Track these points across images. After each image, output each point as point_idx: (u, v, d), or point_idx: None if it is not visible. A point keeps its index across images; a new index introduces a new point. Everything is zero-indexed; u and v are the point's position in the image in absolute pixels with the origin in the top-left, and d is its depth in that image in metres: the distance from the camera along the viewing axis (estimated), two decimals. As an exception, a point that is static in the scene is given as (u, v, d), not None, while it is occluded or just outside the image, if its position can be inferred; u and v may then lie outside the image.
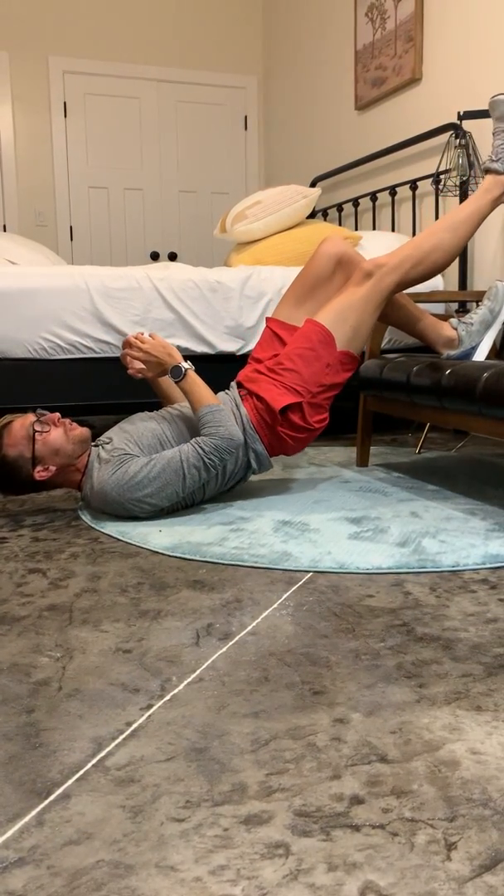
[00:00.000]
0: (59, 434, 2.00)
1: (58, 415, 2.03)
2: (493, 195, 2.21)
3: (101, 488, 1.94)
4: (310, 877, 0.73)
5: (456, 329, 2.23)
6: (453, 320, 2.25)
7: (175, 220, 5.29)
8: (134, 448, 2.00)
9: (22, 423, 1.99)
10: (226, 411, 2.01)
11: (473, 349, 2.26)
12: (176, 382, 2.06)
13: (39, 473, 1.99)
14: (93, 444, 2.08)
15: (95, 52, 4.95)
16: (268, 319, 2.32)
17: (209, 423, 1.98)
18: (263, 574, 1.60)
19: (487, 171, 2.24)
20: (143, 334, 2.13)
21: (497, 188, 2.21)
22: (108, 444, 2.04)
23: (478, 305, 2.27)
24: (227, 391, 2.23)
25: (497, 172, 2.21)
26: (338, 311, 2.14)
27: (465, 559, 1.64)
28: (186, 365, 2.06)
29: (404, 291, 2.37)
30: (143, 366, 2.12)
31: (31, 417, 2.01)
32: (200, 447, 1.95)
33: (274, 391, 2.10)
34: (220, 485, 2.11)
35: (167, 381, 2.33)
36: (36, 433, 1.98)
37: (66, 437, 2.00)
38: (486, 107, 3.23)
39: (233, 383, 2.26)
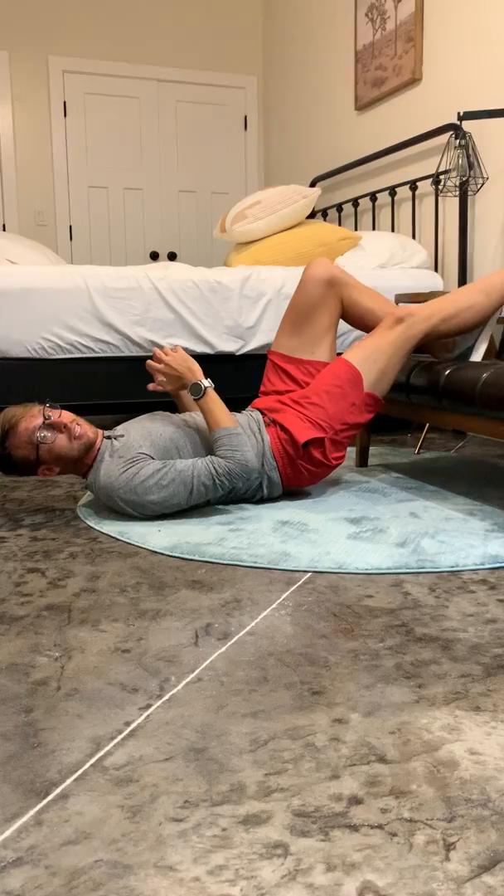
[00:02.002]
0: (63, 442, 1.98)
1: (65, 417, 1.99)
2: None
3: (107, 482, 1.94)
4: (308, 877, 0.73)
5: None
6: None
7: (175, 219, 5.29)
8: (149, 448, 1.99)
9: (26, 427, 1.96)
10: (242, 436, 1.99)
11: (470, 349, 2.27)
12: (195, 399, 2.05)
13: (43, 472, 2.02)
14: (105, 435, 2.07)
15: (95, 51, 4.95)
16: (269, 353, 2.32)
17: (225, 446, 1.96)
18: (262, 574, 1.60)
19: None
20: (168, 347, 2.13)
21: None
22: (121, 437, 2.03)
23: None
24: (249, 412, 2.19)
25: None
26: (368, 351, 2.14)
27: (464, 559, 1.64)
28: (206, 383, 2.05)
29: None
30: (163, 378, 2.12)
31: (36, 419, 1.97)
32: (214, 468, 1.94)
33: (299, 424, 2.09)
34: (225, 500, 2.12)
35: (187, 395, 2.32)
36: (36, 449, 1.97)
37: (71, 444, 1.98)
38: (485, 107, 3.23)
39: (254, 409, 2.24)
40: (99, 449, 2.03)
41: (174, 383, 2.13)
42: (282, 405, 2.17)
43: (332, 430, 2.10)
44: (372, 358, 2.13)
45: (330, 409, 2.10)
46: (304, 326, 2.26)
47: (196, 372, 2.09)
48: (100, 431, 2.07)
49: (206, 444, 2.09)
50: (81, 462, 2.03)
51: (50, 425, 1.97)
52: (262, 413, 2.19)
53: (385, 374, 2.14)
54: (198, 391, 2.04)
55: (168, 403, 3.12)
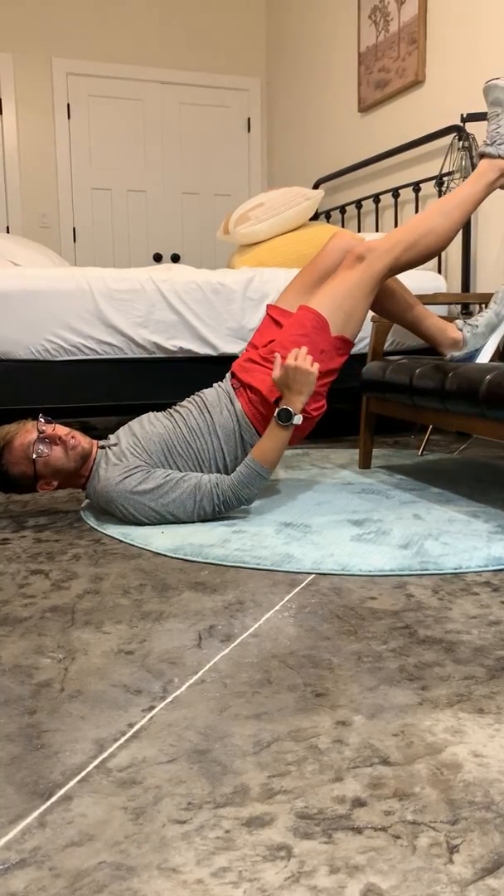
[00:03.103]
0: (59, 454, 1.96)
1: (59, 430, 1.97)
2: (487, 179, 2.19)
3: (106, 489, 1.94)
4: (311, 879, 0.73)
5: (461, 331, 2.22)
6: (459, 322, 2.24)
7: (178, 221, 5.30)
8: (143, 455, 1.97)
9: (21, 443, 1.95)
10: (267, 480, 1.97)
11: (477, 352, 2.26)
12: (276, 421, 1.96)
13: (42, 487, 2.01)
14: (99, 445, 2.06)
15: (99, 53, 4.96)
16: (268, 307, 2.28)
17: (246, 479, 1.93)
18: (265, 576, 1.60)
19: (482, 155, 2.22)
20: (307, 358, 1.99)
21: (492, 172, 2.19)
22: (114, 446, 2.02)
23: (481, 309, 2.27)
24: (219, 384, 2.18)
25: (491, 156, 2.19)
26: (331, 296, 2.12)
27: (467, 561, 1.64)
28: (297, 420, 1.96)
29: (401, 278, 2.36)
30: (279, 374, 1.99)
31: (31, 434, 1.96)
32: (218, 493, 1.93)
33: (268, 381, 2.06)
34: None
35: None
36: (36, 460, 1.95)
37: (67, 456, 1.97)
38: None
39: (228, 374, 2.21)
40: (95, 459, 2.02)
41: (281, 382, 1.99)
42: (251, 363, 2.14)
43: None
44: (336, 301, 2.11)
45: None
46: (312, 289, 2.23)
47: (302, 399, 1.97)
48: (94, 442, 2.06)
49: (198, 441, 2.05)
50: (78, 474, 2.02)
51: (45, 439, 1.96)
52: (233, 376, 2.15)
53: (352, 315, 2.12)
54: (286, 418, 1.95)
55: (165, 406, 3.12)
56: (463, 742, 0.96)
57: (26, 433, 1.97)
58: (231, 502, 1.95)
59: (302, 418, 1.98)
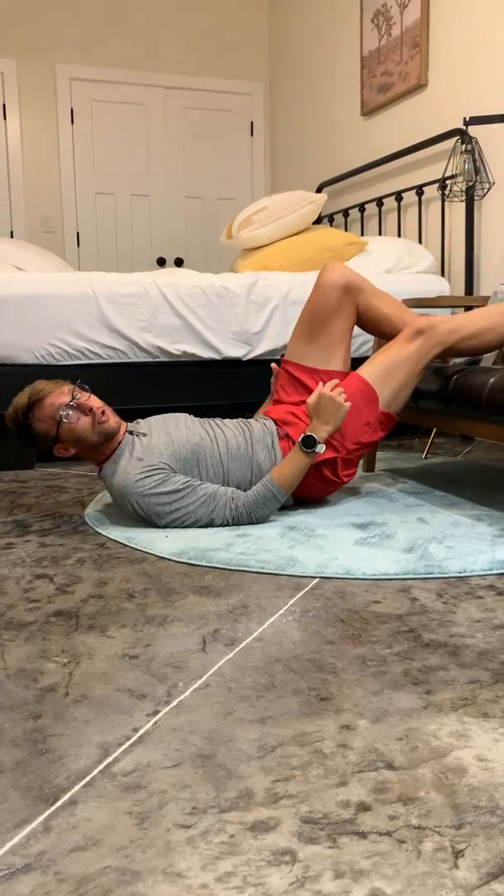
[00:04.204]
0: (85, 425, 1.97)
1: (93, 402, 1.98)
2: None
3: (122, 484, 1.93)
4: (316, 884, 0.73)
5: None
6: None
7: (181, 226, 5.31)
8: (170, 458, 1.96)
9: (52, 403, 1.96)
10: (281, 502, 1.96)
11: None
12: (300, 447, 1.95)
13: (58, 451, 2.02)
14: (128, 429, 2.05)
15: (102, 59, 4.98)
16: (283, 361, 2.24)
17: (262, 499, 1.93)
18: (270, 580, 1.60)
19: None
20: (335, 390, 2.00)
21: None
22: (143, 435, 2.02)
23: None
24: (263, 421, 2.13)
25: None
26: (385, 367, 2.09)
27: (472, 565, 1.64)
28: (320, 448, 1.95)
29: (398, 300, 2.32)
30: (313, 400, 1.99)
31: (64, 397, 1.97)
32: (232, 507, 1.93)
33: None
34: None
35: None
36: (58, 425, 1.96)
37: (93, 429, 1.97)
38: (492, 112, 3.23)
39: (266, 417, 2.17)
40: (120, 442, 2.01)
41: (312, 408, 1.99)
42: (295, 418, 2.12)
43: (345, 449, 2.06)
44: (389, 374, 2.08)
45: (345, 428, 2.05)
46: (318, 333, 2.18)
47: (327, 429, 1.97)
48: (123, 424, 2.06)
49: (229, 459, 2.03)
50: (99, 450, 2.02)
51: (76, 406, 1.96)
52: (276, 424, 2.14)
53: (401, 391, 2.10)
54: (309, 444, 1.94)
55: (168, 410, 3.13)
56: (468, 746, 0.96)
57: (60, 395, 1.98)
58: (243, 519, 1.95)
59: (325, 448, 1.97)
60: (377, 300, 2.20)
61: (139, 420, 2.14)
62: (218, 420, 2.15)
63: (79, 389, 2.00)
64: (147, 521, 1.96)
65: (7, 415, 2.01)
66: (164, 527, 1.95)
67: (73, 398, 1.97)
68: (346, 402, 1.98)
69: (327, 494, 2.16)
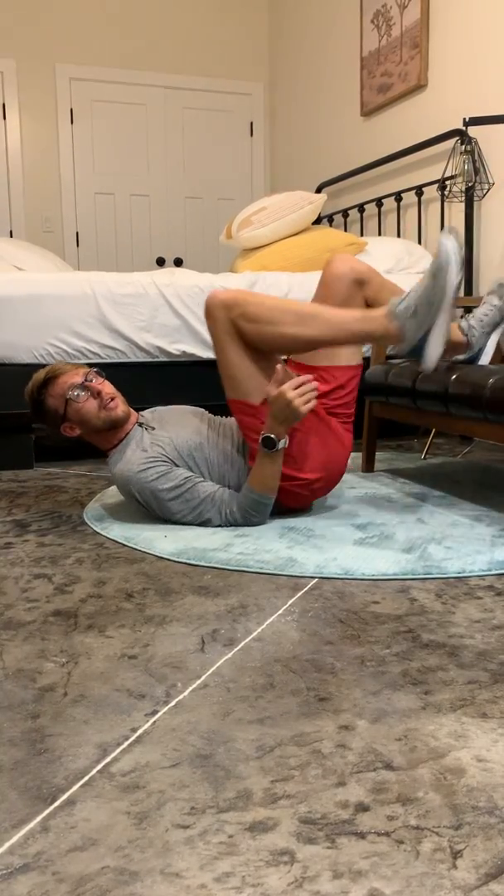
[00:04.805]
0: (91, 408, 2.02)
1: (105, 387, 2.03)
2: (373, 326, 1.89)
3: (125, 473, 1.95)
4: (315, 884, 0.73)
5: (466, 334, 2.11)
6: (462, 322, 2.20)
7: (181, 226, 5.31)
8: (172, 454, 1.98)
9: (65, 381, 2.03)
10: (270, 506, 1.95)
11: (480, 351, 2.22)
12: (262, 448, 1.87)
13: (65, 429, 2.07)
14: (138, 422, 2.10)
15: (102, 59, 4.98)
16: (288, 361, 2.18)
17: (250, 506, 1.92)
18: (269, 580, 1.60)
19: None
20: (304, 384, 1.85)
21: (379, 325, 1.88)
22: (153, 430, 2.06)
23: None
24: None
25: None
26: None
27: (470, 565, 1.64)
28: (282, 444, 1.87)
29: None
30: (273, 394, 1.86)
31: (77, 378, 2.02)
32: (227, 511, 1.93)
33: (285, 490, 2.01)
34: None
35: None
36: (68, 400, 2.02)
37: (98, 414, 2.02)
38: (491, 113, 3.24)
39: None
40: (129, 433, 2.06)
41: (272, 403, 1.86)
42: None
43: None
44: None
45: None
46: None
47: (283, 428, 1.86)
48: (134, 415, 2.10)
49: (223, 462, 2.03)
50: (107, 438, 2.07)
51: (86, 387, 2.02)
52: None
53: (235, 376, 1.99)
54: (269, 445, 1.86)
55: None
56: (466, 747, 0.96)
57: (74, 375, 2.04)
58: (239, 522, 1.95)
59: (287, 441, 1.89)
60: (385, 292, 2.12)
61: (154, 409, 2.18)
62: (225, 422, 2.14)
63: (94, 374, 2.06)
64: (147, 508, 1.98)
65: (26, 389, 2.10)
66: (163, 519, 1.97)
67: (86, 380, 2.03)
68: (305, 403, 1.82)
69: (302, 502, 2.05)
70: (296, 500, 2.04)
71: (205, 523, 1.96)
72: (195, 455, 2.01)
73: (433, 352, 1.81)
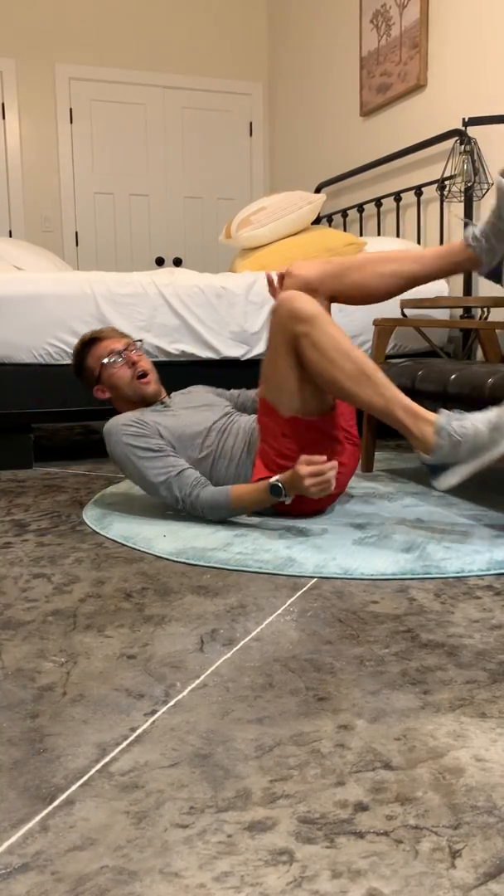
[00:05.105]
0: (123, 375, 2.13)
1: (142, 361, 2.12)
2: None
3: (110, 425, 2.01)
4: (314, 884, 0.73)
5: (471, 245, 1.85)
6: (468, 233, 1.86)
7: (180, 225, 5.31)
8: (165, 431, 2.03)
9: (107, 346, 2.13)
10: (228, 517, 1.96)
11: (501, 266, 1.89)
12: (270, 491, 1.85)
13: (97, 391, 2.19)
14: (162, 399, 2.19)
15: (102, 58, 4.98)
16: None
17: (215, 504, 1.91)
18: (268, 580, 1.60)
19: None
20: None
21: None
22: (167, 410, 2.13)
23: (483, 313, 2.19)
24: (251, 423, 2.09)
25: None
26: (263, 372, 1.99)
27: (469, 565, 1.64)
28: (285, 500, 1.87)
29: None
30: (288, 473, 1.84)
31: (117, 345, 2.12)
32: (185, 494, 1.94)
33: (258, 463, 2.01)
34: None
35: None
36: (103, 364, 2.11)
37: (129, 383, 2.12)
38: (491, 113, 3.24)
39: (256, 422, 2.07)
40: (151, 404, 2.18)
41: (292, 473, 1.83)
42: (285, 458, 1.96)
43: (275, 464, 1.95)
44: (266, 376, 1.99)
45: (267, 444, 1.98)
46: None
47: (296, 493, 1.84)
48: (163, 395, 2.21)
49: (234, 454, 2.05)
50: (132, 408, 2.16)
51: (123, 356, 2.11)
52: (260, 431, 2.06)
53: (292, 385, 1.94)
54: (276, 493, 1.85)
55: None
56: (465, 746, 0.96)
57: (116, 342, 2.15)
58: (193, 511, 1.97)
59: (291, 500, 1.88)
60: (349, 275, 1.94)
61: (189, 390, 2.28)
62: (234, 421, 2.12)
63: (135, 346, 2.15)
64: (117, 462, 2.03)
65: (75, 345, 2.22)
66: (128, 477, 2.03)
67: (126, 349, 2.13)
68: (319, 489, 1.79)
69: (303, 509, 2.03)
70: (313, 505, 2.01)
71: (159, 497, 1.98)
72: (206, 439, 2.04)
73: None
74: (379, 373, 1.82)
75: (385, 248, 3.47)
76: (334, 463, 1.80)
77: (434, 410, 1.78)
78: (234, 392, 2.38)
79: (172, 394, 2.28)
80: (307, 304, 1.84)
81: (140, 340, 2.21)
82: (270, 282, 2.03)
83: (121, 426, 2.01)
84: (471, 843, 0.78)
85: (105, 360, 2.12)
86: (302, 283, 1.94)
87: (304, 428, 1.94)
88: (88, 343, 2.17)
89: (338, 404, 2.02)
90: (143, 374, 2.13)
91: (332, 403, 1.98)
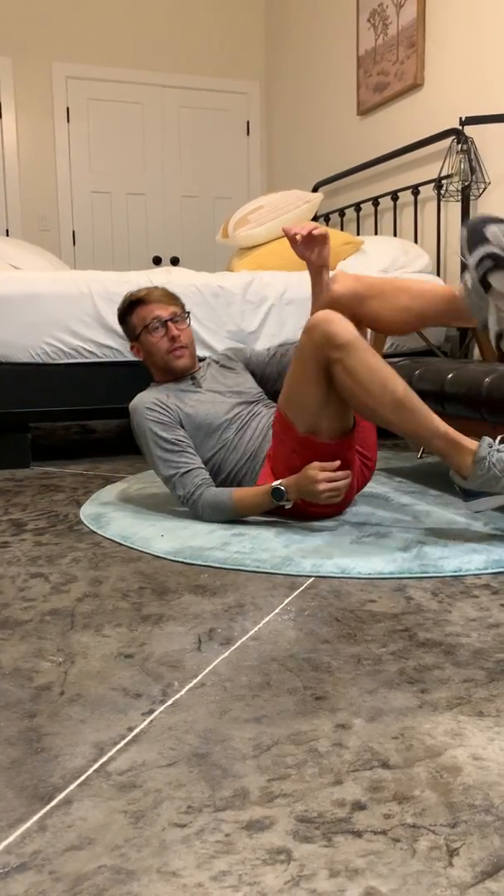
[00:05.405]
0: (160, 346, 2.12)
1: (183, 335, 2.10)
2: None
3: (136, 403, 2.05)
4: (311, 883, 0.73)
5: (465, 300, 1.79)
6: (462, 280, 1.79)
7: (177, 225, 5.30)
8: (184, 417, 2.04)
9: (152, 310, 2.11)
10: (227, 520, 1.96)
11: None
12: (272, 494, 1.87)
13: (132, 349, 2.20)
14: (193, 373, 2.18)
15: (99, 57, 4.97)
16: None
17: (218, 507, 1.93)
18: (265, 579, 1.60)
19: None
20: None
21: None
22: (198, 389, 2.13)
23: None
24: (265, 423, 2.10)
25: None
26: (287, 388, 1.94)
27: (467, 564, 1.64)
28: (286, 504, 1.88)
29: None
30: (297, 475, 1.86)
31: (163, 312, 2.10)
32: (188, 493, 1.96)
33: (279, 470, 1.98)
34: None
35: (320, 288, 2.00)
36: (146, 326, 2.09)
37: (162, 355, 2.12)
38: (487, 112, 3.24)
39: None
40: (181, 379, 2.17)
41: (302, 474, 1.84)
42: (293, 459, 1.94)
43: (280, 475, 1.95)
44: (290, 394, 1.94)
45: (276, 457, 1.98)
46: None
47: (300, 497, 1.84)
48: (196, 367, 2.19)
49: (248, 448, 2.05)
50: (162, 375, 2.17)
51: (165, 325, 2.10)
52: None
53: (314, 406, 1.89)
54: (277, 496, 1.86)
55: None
56: (463, 745, 0.96)
57: (163, 309, 2.12)
58: (193, 510, 1.98)
59: (291, 505, 1.89)
60: (388, 302, 1.89)
61: (229, 351, 2.27)
62: (256, 413, 2.12)
63: (183, 318, 2.14)
64: (137, 438, 2.06)
65: (126, 295, 2.19)
66: (142, 451, 2.06)
67: (170, 319, 2.11)
68: (329, 496, 1.80)
69: (305, 513, 2.01)
70: (318, 511, 1.99)
71: (166, 485, 2.01)
72: (205, 429, 2.05)
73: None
74: (416, 400, 1.76)
75: (387, 251, 3.47)
76: (348, 472, 1.83)
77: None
78: (263, 358, 2.27)
79: (208, 359, 2.26)
80: (343, 328, 1.76)
81: (188, 312, 2.16)
82: (293, 240, 1.92)
83: (145, 409, 2.02)
84: (468, 841, 0.79)
85: (147, 324, 2.11)
86: (334, 301, 1.89)
87: (316, 448, 1.88)
88: (136, 302, 2.14)
89: (358, 427, 1.98)
90: (181, 348, 2.11)
91: (352, 426, 1.94)
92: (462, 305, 1.78)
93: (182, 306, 2.17)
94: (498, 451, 1.69)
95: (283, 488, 1.85)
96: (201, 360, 2.27)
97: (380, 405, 1.76)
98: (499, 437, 1.74)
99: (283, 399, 1.93)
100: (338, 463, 1.81)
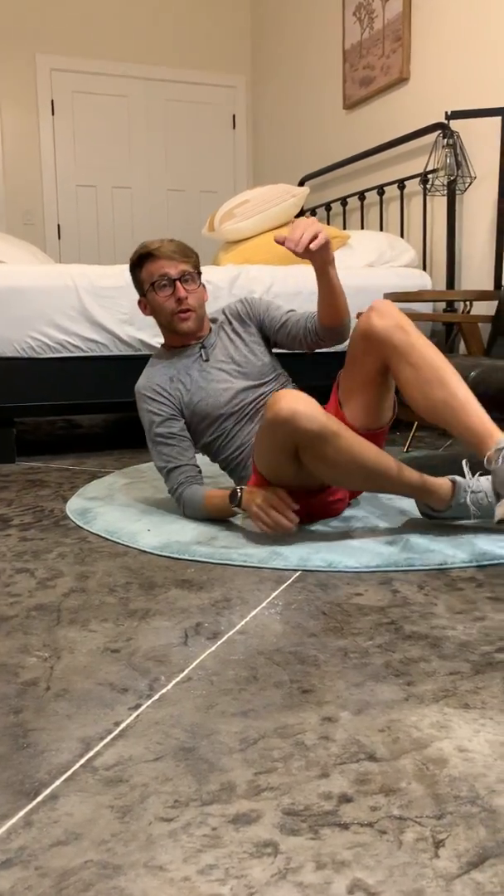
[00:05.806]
0: (166, 305, 1.99)
1: (190, 298, 1.98)
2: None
3: (140, 384, 2.03)
4: (298, 875, 0.74)
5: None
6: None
7: (163, 218, 5.28)
8: (181, 404, 2.01)
9: (161, 266, 1.97)
10: (199, 518, 1.96)
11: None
12: (230, 497, 1.84)
13: (139, 303, 2.08)
14: (204, 342, 2.07)
15: (83, 49, 4.94)
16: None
17: (193, 504, 1.94)
18: (252, 573, 1.60)
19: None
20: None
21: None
22: (205, 362, 2.05)
23: (466, 306, 2.21)
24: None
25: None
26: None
27: (452, 557, 1.64)
28: (238, 511, 1.85)
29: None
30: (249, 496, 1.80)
31: (172, 269, 1.96)
32: (176, 487, 1.96)
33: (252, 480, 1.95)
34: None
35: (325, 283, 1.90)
36: (150, 286, 1.99)
37: (169, 312, 2.00)
38: (473, 106, 3.24)
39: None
40: (188, 346, 2.07)
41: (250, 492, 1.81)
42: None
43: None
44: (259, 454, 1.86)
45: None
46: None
47: (258, 502, 1.77)
48: (204, 330, 2.08)
49: (248, 443, 2.02)
50: (167, 334, 2.09)
51: (172, 285, 1.97)
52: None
53: (277, 470, 1.80)
54: (233, 500, 1.83)
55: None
56: (448, 737, 0.97)
57: (173, 266, 1.97)
58: (178, 504, 1.99)
59: (244, 516, 1.88)
60: (423, 376, 1.75)
61: (249, 306, 2.12)
62: (260, 402, 2.07)
63: (194, 278, 2.00)
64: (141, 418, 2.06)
65: (140, 245, 2.05)
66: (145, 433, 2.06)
67: (179, 277, 1.97)
68: (263, 523, 1.75)
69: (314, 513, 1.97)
70: (335, 510, 1.99)
71: (161, 473, 2.01)
72: (204, 417, 2.01)
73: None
74: (386, 462, 1.72)
75: (373, 245, 3.47)
76: (295, 519, 1.74)
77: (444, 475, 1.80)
78: (275, 325, 2.10)
79: (221, 318, 2.12)
80: (309, 421, 1.64)
81: (199, 272, 2.02)
82: (288, 247, 1.81)
83: (146, 397, 2.01)
84: (454, 832, 0.79)
85: (154, 281, 1.98)
86: (367, 333, 1.81)
87: (291, 491, 1.81)
88: (146, 256, 1.99)
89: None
90: (186, 311, 1.99)
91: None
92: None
93: (196, 264, 2.02)
94: (474, 492, 1.75)
95: (239, 493, 1.82)
96: (213, 321, 2.13)
97: (349, 480, 1.75)
98: (477, 473, 1.78)
99: (255, 455, 1.83)
100: (297, 507, 1.76)
